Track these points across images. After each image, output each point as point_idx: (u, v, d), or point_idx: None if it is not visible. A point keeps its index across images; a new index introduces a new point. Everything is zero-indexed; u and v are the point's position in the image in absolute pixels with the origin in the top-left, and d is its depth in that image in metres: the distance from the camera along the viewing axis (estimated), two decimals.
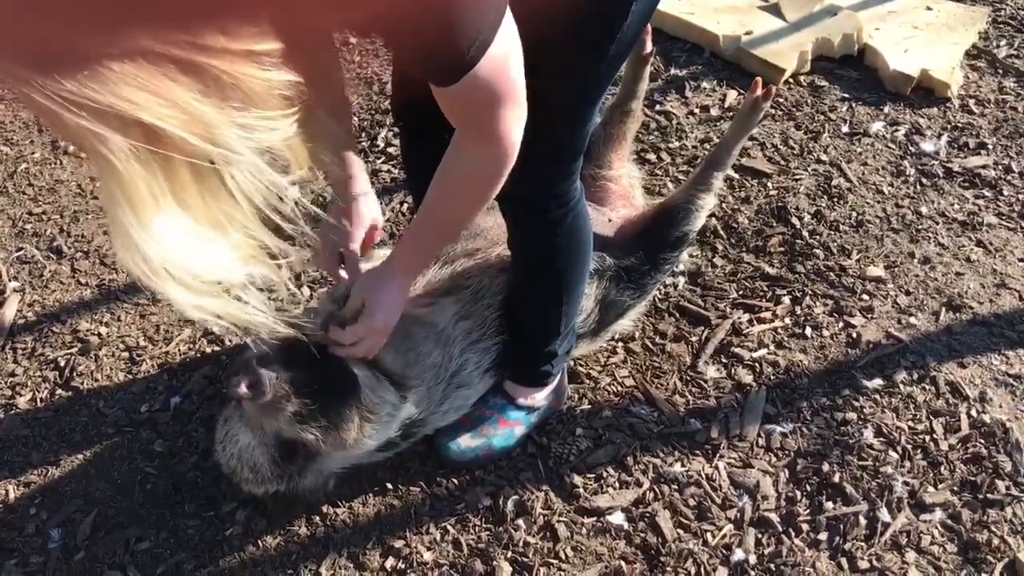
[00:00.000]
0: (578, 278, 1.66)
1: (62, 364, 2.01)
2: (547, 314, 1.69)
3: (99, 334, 2.07)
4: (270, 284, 0.98)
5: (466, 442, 1.79)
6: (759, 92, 1.85)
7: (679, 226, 1.91)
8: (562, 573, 1.64)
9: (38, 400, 1.95)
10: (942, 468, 1.77)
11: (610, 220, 1.93)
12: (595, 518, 1.72)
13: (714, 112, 2.59)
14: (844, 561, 1.65)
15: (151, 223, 0.87)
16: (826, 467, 1.77)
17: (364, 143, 2.57)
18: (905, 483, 1.75)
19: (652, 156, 2.47)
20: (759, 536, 1.69)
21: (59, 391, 1.96)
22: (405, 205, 2.36)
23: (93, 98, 0.78)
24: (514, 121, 1.19)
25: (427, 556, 1.67)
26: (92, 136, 0.81)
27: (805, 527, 1.70)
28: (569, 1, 1.21)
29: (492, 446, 1.79)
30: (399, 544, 1.69)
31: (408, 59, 1.16)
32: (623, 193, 2.02)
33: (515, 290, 1.72)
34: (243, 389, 1.44)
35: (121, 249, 0.87)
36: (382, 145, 2.55)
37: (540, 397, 1.82)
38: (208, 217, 0.91)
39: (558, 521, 1.71)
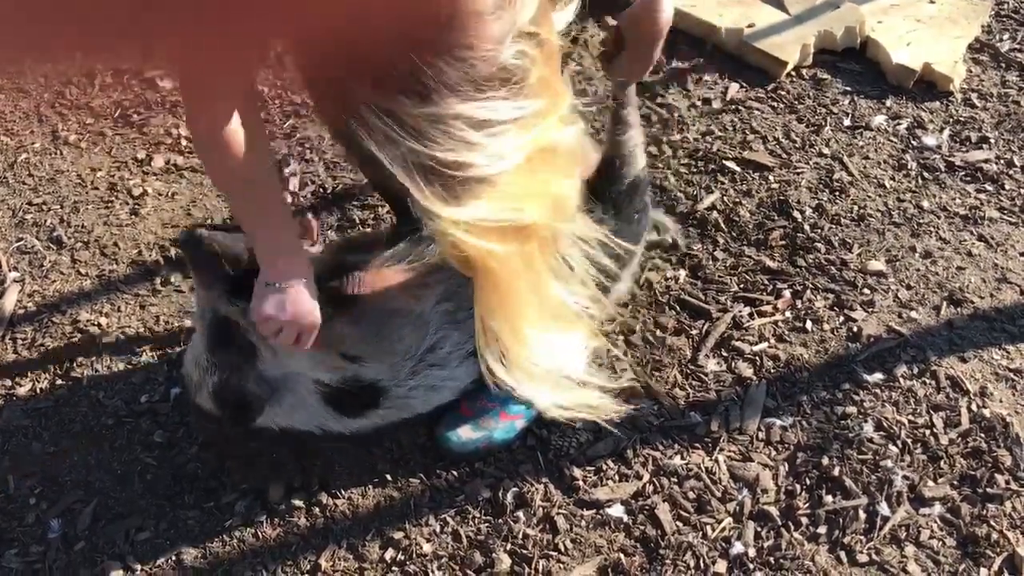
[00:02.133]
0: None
1: (62, 355, 2.01)
2: None
3: (99, 324, 2.07)
4: (599, 355, 1.01)
5: (467, 434, 1.79)
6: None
7: (624, 173, 1.87)
8: (561, 565, 1.65)
9: (38, 390, 1.95)
10: (942, 462, 1.77)
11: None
12: (594, 510, 1.72)
13: (716, 105, 2.59)
14: (843, 555, 1.65)
15: (522, 330, 0.89)
16: (826, 461, 1.77)
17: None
18: (905, 477, 1.75)
19: (653, 149, 2.47)
20: (758, 529, 1.69)
21: (59, 381, 1.96)
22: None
23: (491, 217, 0.82)
24: None
25: (426, 548, 1.67)
26: (486, 255, 0.84)
27: (804, 520, 1.70)
28: None
29: (493, 439, 1.79)
30: (398, 535, 1.69)
31: None
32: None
33: None
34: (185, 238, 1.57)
35: (493, 364, 0.90)
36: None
37: None
38: (561, 306, 0.93)
39: (557, 513, 1.71)
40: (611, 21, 1.75)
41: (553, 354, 0.95)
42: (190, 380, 1.69)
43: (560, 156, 0.90)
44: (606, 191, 1.89)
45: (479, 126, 0.82)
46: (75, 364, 1.99)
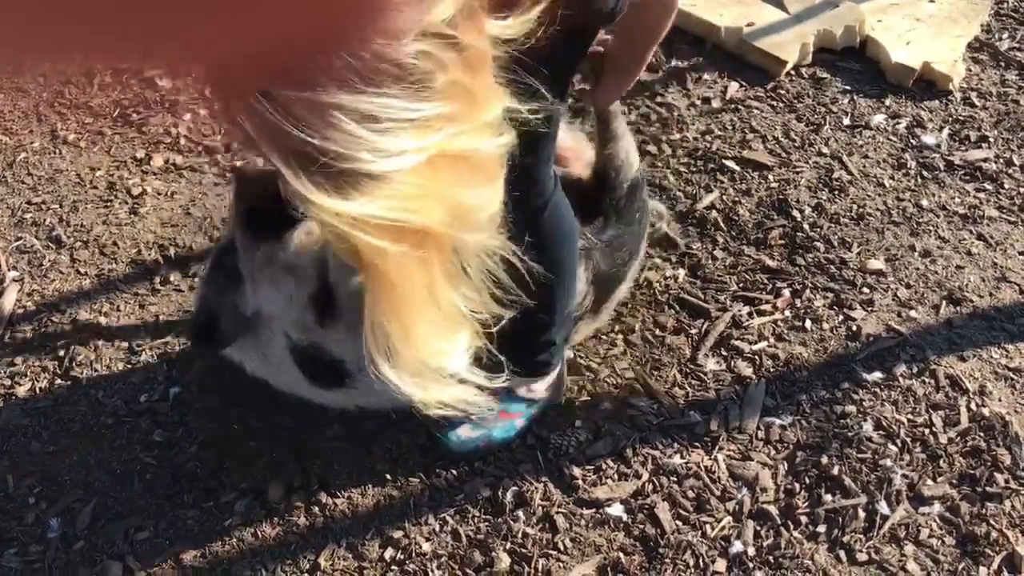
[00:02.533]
0: (568, 265, 1.66)
1: (61, 354, 2.01)
2: (541, 304, 1.69)
3: (98, 323, 2.07)
4: (477, 353, 1.00)
5: (466, 433, 1.79)
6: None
7: (622, 179, 1.91)
8: (561, 564, 1.65)
9: (37, 390, 1.95)
10: (941, 461, 1.77)
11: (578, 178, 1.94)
12: (594, 510, 1.72)
13: (715, 104, 2.59)
14: (842, 553, 1.65)
15: (413, 332, 0.88)
16: (825, 460, 1.78)
17: None
18: (904, 476, 1.75)
19: (653, 148, 2.47)
20: (758, 528, 1.69)
21: (58, 381, 1.96)
22: None
23: (380, 215, 0.80)
24: None
25: (426, 547, 1.67)
26: (375, 253, 0.82)
27: (804, 519, 1.70)
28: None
29: (492, 437, 1.79)
30: (398, 535, 1.69)
31: None
32: (572, 150, 2.01)
33: None
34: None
35: (380, 361, 0.89)
36: None
37: (540, 388, 1.82)
38: (453, 310, 0.92)
39: (557, 512, 1.71)
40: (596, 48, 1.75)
41: (440, 354, 0.93)
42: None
43: (474, 165, 0.87)
44: (607, 200, 1.90)
45: (362, 120, 0.79)
46: (74, 363, 1.99)
